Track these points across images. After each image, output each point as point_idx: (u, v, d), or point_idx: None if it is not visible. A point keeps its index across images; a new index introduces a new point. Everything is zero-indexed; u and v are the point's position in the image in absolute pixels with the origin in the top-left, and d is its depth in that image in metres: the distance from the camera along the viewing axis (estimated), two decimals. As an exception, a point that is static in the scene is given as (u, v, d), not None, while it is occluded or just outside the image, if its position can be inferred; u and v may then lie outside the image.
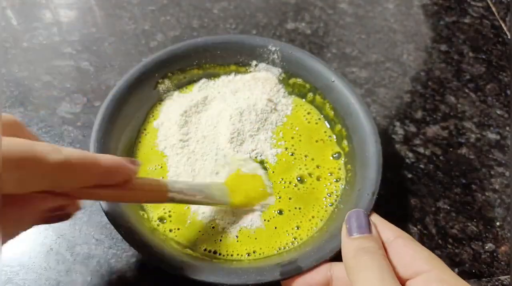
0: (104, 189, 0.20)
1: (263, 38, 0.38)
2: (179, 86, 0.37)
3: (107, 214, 0.26)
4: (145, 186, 0.23)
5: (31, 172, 0.16)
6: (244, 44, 0.37)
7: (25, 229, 0.18)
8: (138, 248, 0.26)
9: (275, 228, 0.30)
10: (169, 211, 0.30)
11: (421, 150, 0.37)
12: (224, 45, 0.36)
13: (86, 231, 0.31)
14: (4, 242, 0.17)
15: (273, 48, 0.36)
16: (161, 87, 0.35)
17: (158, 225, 0.30)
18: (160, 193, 0.24)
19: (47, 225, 0.31)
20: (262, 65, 0.37)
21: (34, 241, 0.31)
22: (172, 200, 0.24)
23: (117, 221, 0.26)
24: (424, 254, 0.24)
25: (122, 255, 0.30)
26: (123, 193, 0.21)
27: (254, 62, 0.37)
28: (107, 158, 0.20)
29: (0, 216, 0.17)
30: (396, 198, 0.34)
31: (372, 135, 0.31)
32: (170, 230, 0.30)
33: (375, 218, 0.27)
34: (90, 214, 0.32)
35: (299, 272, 0.26)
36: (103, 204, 0.26)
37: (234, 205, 0.30)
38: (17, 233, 0.18)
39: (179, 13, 0.45)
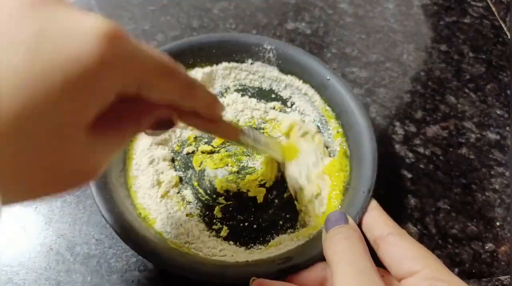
0: (199, 118, 0.23)
1: (258, 36, 0.37)
2: None
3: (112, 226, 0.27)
4: (226, 122, 0.27)
5: (169, 83, 0.19)
6: (239, 43, 0.36)
7: (137, 132, 0.21)
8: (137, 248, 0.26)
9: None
10: (167, 212, 0.30)
11: (421, 150, 0.37)
12: (219, 43, 0.36)
13: (86, 231, 0.31)
14: (120, 143, 0.20)
15: (269, 47, 0.36)
16: None
17: (152, 223, 0.30)
18: (235, 131, 0.27)
19: (47, 225, 0.31)
20: (258, 63, 0.37)
21: (34, 241, 0.31)
22: (240, 140, 0.28)
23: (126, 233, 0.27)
24: (414, 252, 0.24)
25: (122, 255, 0.30)
26: (210, 124, 0.24)
27: (249, 61, 0.37)
28: (211, 92, 0.23)
29: (125, 119, 0.19)
30: (396, 198, 0.34)
31: (367, 133, 0.31)
32: (165, 229, 0.30)
33: (373, 208, 0.28)
34: (90, 214, 0.32)
35: (295, 269, 0.26)
36: (101, 207, 0.27)
37: (285, 160, 0.33)
38: (132, 135, 0.21)
39: (179, 13, 0.45)
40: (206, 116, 0.23)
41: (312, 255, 0.26)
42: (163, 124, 0.22)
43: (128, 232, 0.26)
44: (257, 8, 0.47)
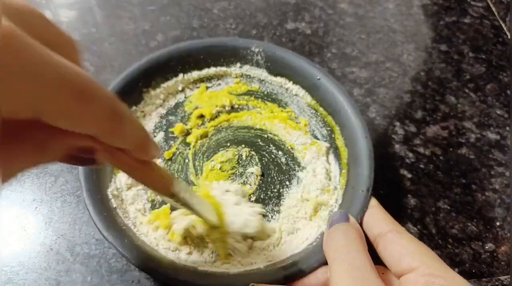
0: (127, 156, 0.19)
1: (246, 39, 0.37)
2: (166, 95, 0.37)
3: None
4: (159, 170, 0.22)
5: (83, 111, 0.14)
6: (227, 47, 0.36)
7: (46, 160, 0.16)
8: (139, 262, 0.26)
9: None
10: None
11: (421, 150, 0.37)
12: (207, 49, 0.36)
13: (86, 231, 0.31)
14: (23, 167, 0.15)
15: (256, 49, 0.36)
16: (146, 96, 0.35)
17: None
18: (168, 183, 0.23)
19: (47, 225, 0.31)
20: (246, 67, 0.37)
21: (34, 241, 0.31)
22: (173, 196, 0.24)
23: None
24: (412, 249, 0.24)
25: (122, 255, 0.30)
26: (141, 167, 0.20)
27: (238, 64, 0.37)
28: (144, 128, 0.19)
29: (27, 142, 0.14)
30: (396, 198, 0.34)
31: (361, 131, 0.31)
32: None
33: (374, 206, 0.28)
34: (90, 214, 0.32)
35: (303, 274, 0.26)
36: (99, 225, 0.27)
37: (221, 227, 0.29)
38: (38, 162, 0.15)
39: (179, 13, 0.45)
40: (136, 157, 0.19)
41: (318, 258, 0.26)
42: (82, 158, 0.17)
43: (130, 247, 0.26)
44: (257, 8, 0.47)
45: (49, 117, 0.13)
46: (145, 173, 0.21)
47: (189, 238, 0.29)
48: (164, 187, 0.23)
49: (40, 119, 0.13)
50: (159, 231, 0.29)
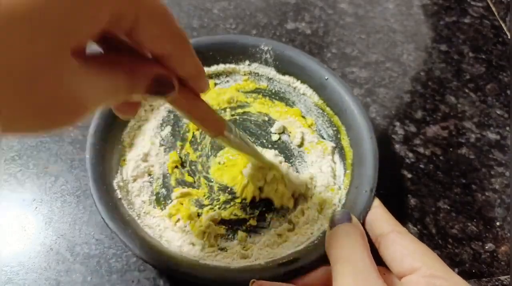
0: (184, 90, 0.22)
1: (255, 37, 0.37)
2: None
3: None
4: (210, 108, 0.25)
5: (163, 27, 0.18)
6: (237, 44, 0.36)
7: (132, 88, 0.19)
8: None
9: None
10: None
11: (421, 150, 0.37)
12: (216, 45, 0.36)
13: (86, 231, 0.31)
14: (113, 89, 0.18)
15: (265, 48, 0.36)
16: None
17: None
18: (222, 125, 0.25)
19: (47, 225, 0.31)
20: (255, 65, 0.37)
21: (34, 241, 0.31)
22: (225, 136, 0.26)
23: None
24: (414, 250, 0.24)
25: (122, 255, 0.30)
26: (196, 100, 0.23)
27: (246, 62, 0.37)
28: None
29: (120, 66, 0.18)
30: (396, 198, 0.34)
31: (367, 132, 0.31)
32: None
33: (376, 207, 0.28)
34: (90, 214, 0.32)
35: (302, 271, 0.26)
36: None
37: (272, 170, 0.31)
38: (131, 89, 0.19)
39: (179, 13, 0.45)
40: (192, 87, 0.22)
41: (318, 255, 0.26)
42: (160, 86, 0.20)
43: (130, 234, 0.27)
44: (257, 8, 0.47)
45: (138, 29, 0.17)
46: (197, 106, 0.23)
47: (207, 234, 0.30)
48: (218, 127, 0.25)
49: (131, 34, 0.17)
50: (179, 223, 0.30)
